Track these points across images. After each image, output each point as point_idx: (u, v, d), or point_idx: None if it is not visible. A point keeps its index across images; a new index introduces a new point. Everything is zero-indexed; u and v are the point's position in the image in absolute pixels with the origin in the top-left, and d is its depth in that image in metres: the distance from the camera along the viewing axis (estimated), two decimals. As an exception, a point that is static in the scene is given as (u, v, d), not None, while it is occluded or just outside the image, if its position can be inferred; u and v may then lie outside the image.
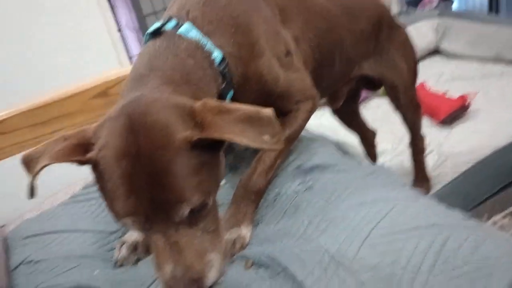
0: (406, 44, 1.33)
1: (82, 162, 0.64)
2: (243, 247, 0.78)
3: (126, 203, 0.60)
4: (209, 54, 0.78)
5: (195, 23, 0.79)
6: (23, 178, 0.66)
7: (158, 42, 0.77)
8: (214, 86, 0.77)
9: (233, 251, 0.77)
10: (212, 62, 0.78)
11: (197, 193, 0.60)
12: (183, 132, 0.61)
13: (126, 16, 2.23)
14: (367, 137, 1.71)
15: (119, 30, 2.00)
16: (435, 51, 2.59)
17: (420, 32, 2.46)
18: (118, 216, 0.62)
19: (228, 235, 0.78)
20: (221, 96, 0.79)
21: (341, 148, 1.14)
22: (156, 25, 0.79)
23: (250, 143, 0.59)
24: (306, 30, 0.99)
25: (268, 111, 0.61)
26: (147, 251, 0.82)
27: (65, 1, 1.86)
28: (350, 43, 1.14)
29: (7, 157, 1.08)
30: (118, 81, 1.15)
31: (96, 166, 0.63)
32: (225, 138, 0.60)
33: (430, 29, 2.54)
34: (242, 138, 0.59)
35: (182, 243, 0.61)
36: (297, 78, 0.92)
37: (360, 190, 0.81)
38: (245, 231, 0.80)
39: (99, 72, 1.94)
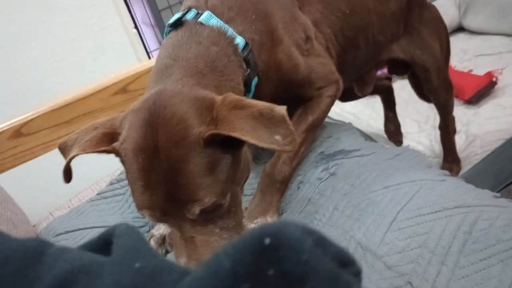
0: (438, 22, 1.27)
1: (108, 152, 0.65)
2: None
3: (143, 196, 0.61)
4: (232, 40, 0.76)
5: (214, 11, 0.78)
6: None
7: (180, 32, 0.76)
8: (239, 73, 0.76)
9: None
10: (235, 48, 0.76)
11: (208, 195, 0.60)
12: (197, 128, 0.60)
13: (142, 12, 2.24)
14: (384, 85, 1.65)
15: (136, 27, 2.01)
16: (458, 28, 2.51)
17: (442, 9, 2.38)
18: (137, 207, 0.63)
19: (254, 226, 0.78)
20: (246, 83, 0.78)
21: (364, 132, 1.13)
22: (176, 16, 0.79)
23: (260, 143, 0.57)
24: (327, 13, 0.97)
25: (281, 109, 0.58)
26: None
27: (82, 0, 1.89)
28: (377, 26, 1.09)
29: (34, 157, 1.10)
30: (136, 77, 1.16)
31: (120, 157, 0.64)
32: (235, 136, 0.58)
33: (451, 6, 2.47)
34: (252, 137, 0.57)
35: (197, 240, 0.61)
36: (318, 64, 0.90)
37: (385, 173, 0.79)
38: (271, 221, 0.80)
39: (118, 69, 1.97)
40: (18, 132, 1.07)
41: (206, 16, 0.77)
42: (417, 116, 1.88)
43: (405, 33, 1.20)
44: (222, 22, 0.77)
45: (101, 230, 0.93)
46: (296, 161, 0.87)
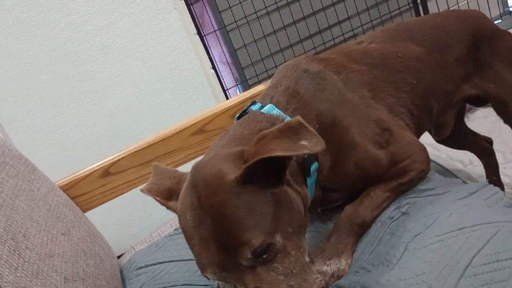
0: None
1: (164, 205, 0.74)
2: (339, 278, 0.77)
3: (200, 255, 0.63)
4: None
5: (278, 105, 0.83)
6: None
7: (241, 119, 0.83)
8: None
9: (329, 282, 0.77)
10: None
11: (255, 235, 0.60)
12: (233, 173, 0.63)
13: (219, 52, 2.36)
14: (485, 148, 1.57)
15: (213, 67, 2.12)
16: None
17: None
18: (200, 270, 0.65)
19: (327, 267, 0.77)
20: (304, 165, 0.79)
21: (444, 166, 1.09)
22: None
23: (291, 153, 0.60)
24: (397, 93, 0.97)
25: (296, 118, 0.62)
26: None
27: (164, 45, 2.04)
28: (444, 79, 1.07)
29: (120, 195, 1.20)
30: (213, 118, 1.22)
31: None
32: (265, 157, 0.60)
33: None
34: (281, 151, 0.59)
35: None
36: (401, 146, 0.89)
37: (460, 213, 0.76)
38: (345, 264, 0.78)
39: (197, 107, 2.10)
40: (106, 171, 1.17)
41: (268, 108, 0.82)
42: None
43: (476, 70, 1.15)
44: (282, 113, 0.81)
45: (178, 264, 0.98)
46: (377, 212, 0.85)
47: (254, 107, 0.85)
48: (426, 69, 1.04)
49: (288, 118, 0.80)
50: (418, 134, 1.05)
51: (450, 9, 2.34)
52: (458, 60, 1.10)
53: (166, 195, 0.74)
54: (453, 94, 1.13)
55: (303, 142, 0.60)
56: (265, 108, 0.83)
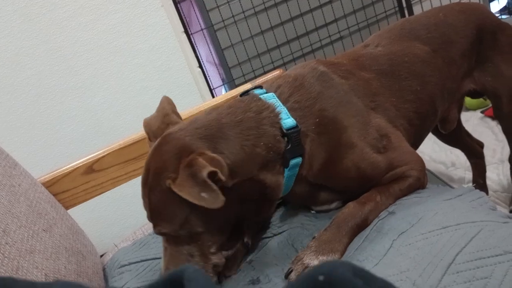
0: None
1: None
2: None
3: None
4: (276, 114, 0.82)
5: (280, 96, 0.85)
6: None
7: (238, 99, 0.85)
8: (266, 138, 0.80)
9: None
10: (275, 121, 0.81)
11: (162, 224, 0.76)
12: (168, 171, 0.72)
13: (206, 51, 2.35)
14: (476, 151, 1.59)
15: (200, 66, 2.11)
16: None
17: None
18: None
19: (317, 263, 0.76)
20: (284, 156, 0.81)
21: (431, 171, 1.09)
22: (247, 87, 0.92)
23: (193, 200, 0.66)
24: (400, 103, 0.97)
25: (206, 170, 0.67)
26: (228, 270, 0.85)
27: (151, 43, 2.03)
28: (449, 77, 1.07)
29: (104, 192, 1.19)
30: (198, 116, 1.22)
31: None
32: (179, 194, 0.68)
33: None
34: (188, 195, 0.67)
35: (168, 253, 0.79)
36: (400, 154, 0.90)
37: (445, 213, 0.77)
38: None
39: (183, 106, 2.08)
40: (90, 168, 1.16)
41: (269, 96, 0.84)
42: (483, 150, 1.80)
43: (476, 63, 1.15)
44: (279, 102, 0.83)
45: (160, 261, 0.97)
46: (374, 216, 0.85)
47: (257, 92, 0.87)
48: (432, 71, 1.04)
49: (281, 107, 0.83)
50: (418, 143, 1.06)
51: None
52: (463, 55, 1.10)
53: (154, 134, 0.85)
54: (457, 91, 1.13)
55: (203, 194, 0.66)
56: (265, 95, 0.84)
